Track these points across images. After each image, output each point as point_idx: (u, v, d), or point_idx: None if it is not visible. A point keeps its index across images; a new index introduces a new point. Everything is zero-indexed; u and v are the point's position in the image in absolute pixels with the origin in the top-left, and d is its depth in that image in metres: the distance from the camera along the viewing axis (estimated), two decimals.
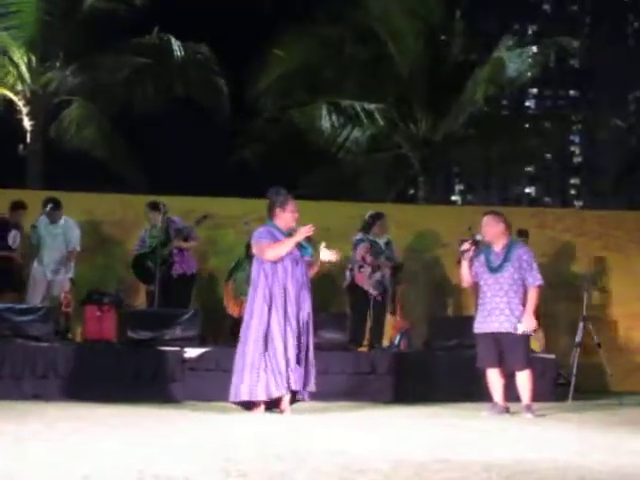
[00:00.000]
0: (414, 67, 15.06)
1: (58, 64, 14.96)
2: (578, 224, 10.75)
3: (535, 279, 6.81)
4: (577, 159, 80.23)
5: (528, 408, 6.78)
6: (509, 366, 6.85)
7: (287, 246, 6.42)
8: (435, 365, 8.22)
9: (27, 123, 14.91)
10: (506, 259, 6.81)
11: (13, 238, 9.25)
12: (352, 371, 8.02)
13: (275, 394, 6.29)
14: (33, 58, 14.70)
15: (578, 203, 78.68)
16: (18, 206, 9.40)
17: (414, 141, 15.61)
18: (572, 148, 75.89)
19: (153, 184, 14.69)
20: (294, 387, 6.34)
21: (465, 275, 7.00)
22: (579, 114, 21.06)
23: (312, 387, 6.53)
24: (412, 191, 19.77)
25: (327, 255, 6.56)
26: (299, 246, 6.52)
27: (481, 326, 6.89)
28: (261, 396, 6.29)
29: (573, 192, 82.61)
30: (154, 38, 14.98)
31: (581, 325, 8.69)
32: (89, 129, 15.26)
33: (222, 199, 10.77)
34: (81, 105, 15.15)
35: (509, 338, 6.75)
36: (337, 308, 9.80)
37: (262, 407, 6.41)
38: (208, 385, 7.47)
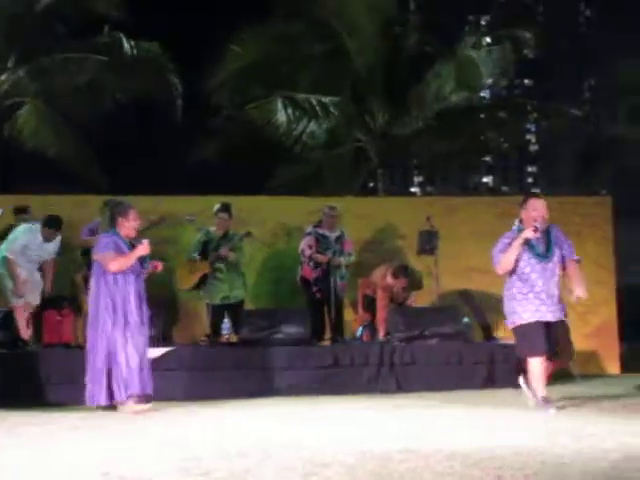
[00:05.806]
0: (371, 61, 15.07)
1: (9, 66, 14.75)
2: None
3: (573, 253, 6.60)
4: (534, 147, 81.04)
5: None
6: (561, 356, 6.55)
7: (130, 260, 6.71)
8: (396, 356, 8.24)
9: None
10: (552, 243, 6.58)
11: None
12: (314, 365, 8.02)
13: (118, 399, 6.55)
14: None
15: (535, 191, 79.46)
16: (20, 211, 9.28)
17: (372, 134, 15.65)
18: (528, 137, 76.54)
19: (113, 184, 14.53)
20: (136, 391, 6.56)
21: (510, 262, 6.54)
22: (534, 103, 21.08)
23: (150, 390, 6.70)
24: (372, 184, 19.80)
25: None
26: (141, 259, 6.79)
27: (534, 314, 6.47)
28: (104, 401, 6.54)
29: (530, 180, 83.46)
30: (105, 37, 14.81)
31: None
32: (44, 130, 15.01)
33: (182, 198, 10.68)
34: (34, 106, 14.94)
35: (561, 327, 6.52)
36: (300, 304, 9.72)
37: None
38: (170, 385, 7.42)
